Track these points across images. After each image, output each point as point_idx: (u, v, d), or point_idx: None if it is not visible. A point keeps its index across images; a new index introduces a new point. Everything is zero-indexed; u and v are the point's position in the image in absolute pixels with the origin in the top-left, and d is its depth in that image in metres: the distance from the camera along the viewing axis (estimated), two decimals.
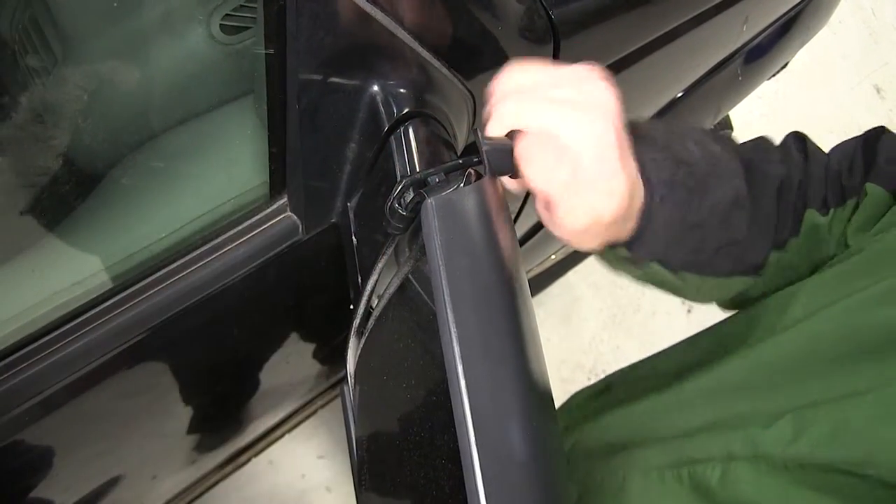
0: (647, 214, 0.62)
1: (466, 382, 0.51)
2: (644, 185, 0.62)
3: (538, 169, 0.57)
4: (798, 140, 0.76)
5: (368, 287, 0.76)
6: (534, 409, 0.54)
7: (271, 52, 0.70)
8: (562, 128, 0.55)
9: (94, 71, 0.83)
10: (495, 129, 0.59)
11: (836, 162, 0.73)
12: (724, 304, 0.83)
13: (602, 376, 2.37)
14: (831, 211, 0.71)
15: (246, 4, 0.87)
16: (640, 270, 0.69)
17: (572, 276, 2.44)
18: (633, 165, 0.59)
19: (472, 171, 0.64)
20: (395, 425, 0.72)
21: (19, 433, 0.75)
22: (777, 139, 0.77)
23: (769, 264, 0.72)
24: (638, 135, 0.64)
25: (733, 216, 0.66)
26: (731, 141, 0.73)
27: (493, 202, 0.61)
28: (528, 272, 2.03)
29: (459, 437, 0.50)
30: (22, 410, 0.73)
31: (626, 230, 0.63)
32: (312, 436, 2.06)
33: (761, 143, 0.75)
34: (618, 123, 0.57)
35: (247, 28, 0.88)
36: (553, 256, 2.11)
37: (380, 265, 0.74)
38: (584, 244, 0.63)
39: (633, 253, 0.65)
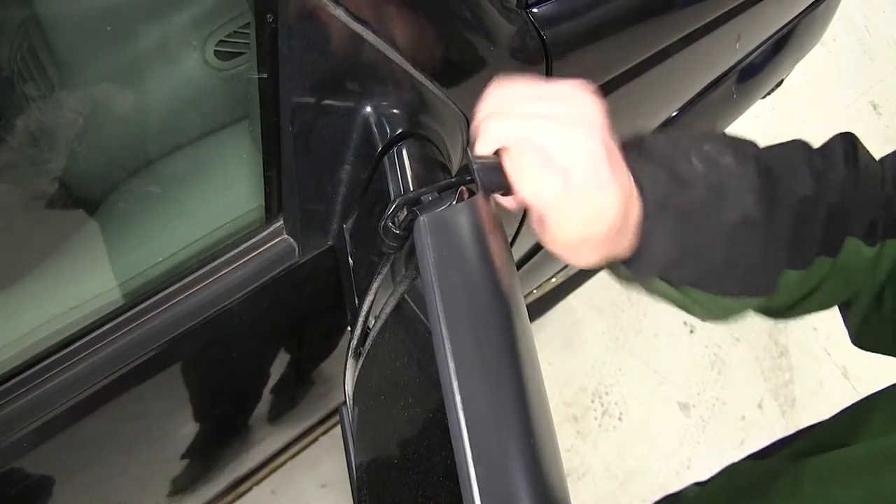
0: (644, 234, 0.60)
1: (462, 398, 0.51)
2: (640, 202, 0.60)
3: (526, 179, 0.56)
4: (848, 146, 0.68)
5: (365, 307, 0.76)
6: (531, 422, 0.54)
7: (264, 76, 0.70)
8: (547, 140, 0.55)
9: (91, 97, 0.83)
10: (483, 146, 0.59)
11: (893, 179, 0.65)
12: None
13: (605, 399, 2.37)
14: (879, 243, 0.65)
15: (240, 31, 0.88)
16: (644, 286, 0.67)
17: (573, 299, 2.44)
18: (626, 176, 0.58)
19: (465, 189, 0.64)
20: (393, 445, 0.71)
21: (17, 459, 0.75)
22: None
23: (785, 284, 0.66)
24: (640, 147, 0.63)
25: (741, 236, 0.62)
26: (752, 147, 0.66)
27: (485, 219, 0.61)
28: (527, 295, 2.03)
29: (456, 453, 0.50)
30: (20, 436, 0.73)
31: (623, 246, 0.61)
32: (315, 464, 2.04)
33: (794, 148, 0.67)
34: (605, 135, 0.56)
35: (241, 54, 0.89)
36: (553, 280, 2.10)
37: (375, 285, 0.74)
38: (581, 260, 0.61)
39: (633, 270, 0.64)
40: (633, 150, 0.63)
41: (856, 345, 0.77)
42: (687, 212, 0.60)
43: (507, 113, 0.58)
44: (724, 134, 0.67)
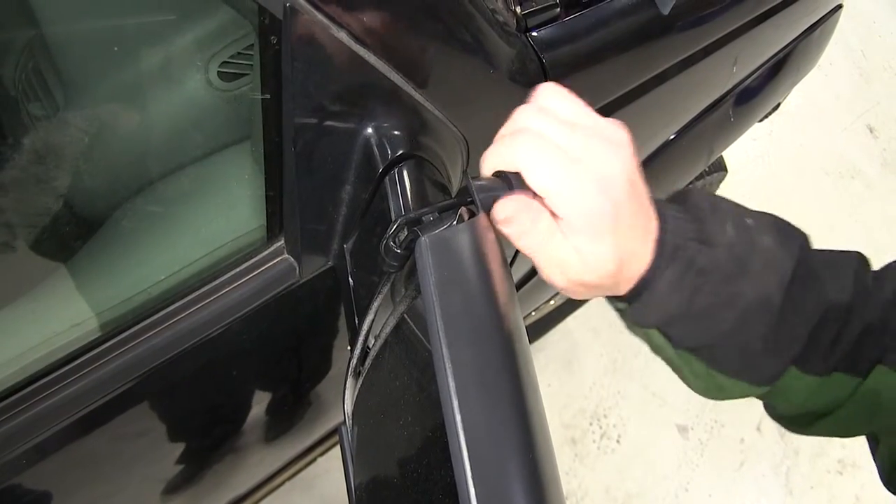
0: (647, 277, 0.59)
1: (462, 417, 0.51)
2: (655, 243, 0.59)
3: (517, 230, 0.59)
4: None
5: (364, 327, 0.76)
6: (530, 442, 0.54)
7: (267, 97, 0.71)
8: (554, 193, 0.56)
9: (95, 117, 0.84)
10: (488, 166, 0.60)
11: None
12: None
13: (603, 421, 2.36)
14: None
15: (243, 52, 0.89)
16: (641, 330, 0.64)
17: (571, 321, 2.44)
18: (629, 240, 0.57)
19: (465, 210, 0.65)
20: (393, 464, 0.71)
21: (16, 477, 0.75)
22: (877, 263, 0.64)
23: (792, 384, 0.62)
24: (684, 198, 0.62)
25: (754, 316, 0.59)
26: (801, 237, 0.62)
27: (486, 240, 0.61)
28: (526, 317, 2.03)
29: (456, 472, 0.50)
30: (19, 453, 0.73)
31: (623, 288, 0.60)
32: (312, 485, 2.03)
33: (848, 256, 0.63)
34: (620, 193, 0.55)
35: (244, 75, 0.90)
36: (552, 302, 2.11)
37: (375, 304, 0.74)
38: (573, 296, 0.61)
39: (633, 313, 0.62)
40: (675, 200, 0.63)
41: (887, 487, 0.69)
42: (699, 270, 0.58)
43: (526, 141, 0.57)
44: (777, 217, 0.64)
